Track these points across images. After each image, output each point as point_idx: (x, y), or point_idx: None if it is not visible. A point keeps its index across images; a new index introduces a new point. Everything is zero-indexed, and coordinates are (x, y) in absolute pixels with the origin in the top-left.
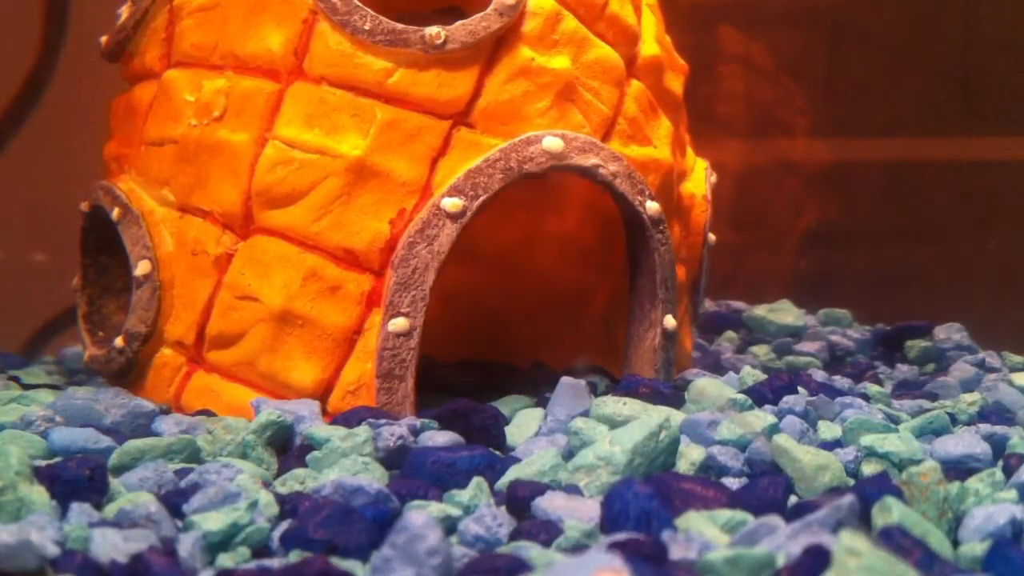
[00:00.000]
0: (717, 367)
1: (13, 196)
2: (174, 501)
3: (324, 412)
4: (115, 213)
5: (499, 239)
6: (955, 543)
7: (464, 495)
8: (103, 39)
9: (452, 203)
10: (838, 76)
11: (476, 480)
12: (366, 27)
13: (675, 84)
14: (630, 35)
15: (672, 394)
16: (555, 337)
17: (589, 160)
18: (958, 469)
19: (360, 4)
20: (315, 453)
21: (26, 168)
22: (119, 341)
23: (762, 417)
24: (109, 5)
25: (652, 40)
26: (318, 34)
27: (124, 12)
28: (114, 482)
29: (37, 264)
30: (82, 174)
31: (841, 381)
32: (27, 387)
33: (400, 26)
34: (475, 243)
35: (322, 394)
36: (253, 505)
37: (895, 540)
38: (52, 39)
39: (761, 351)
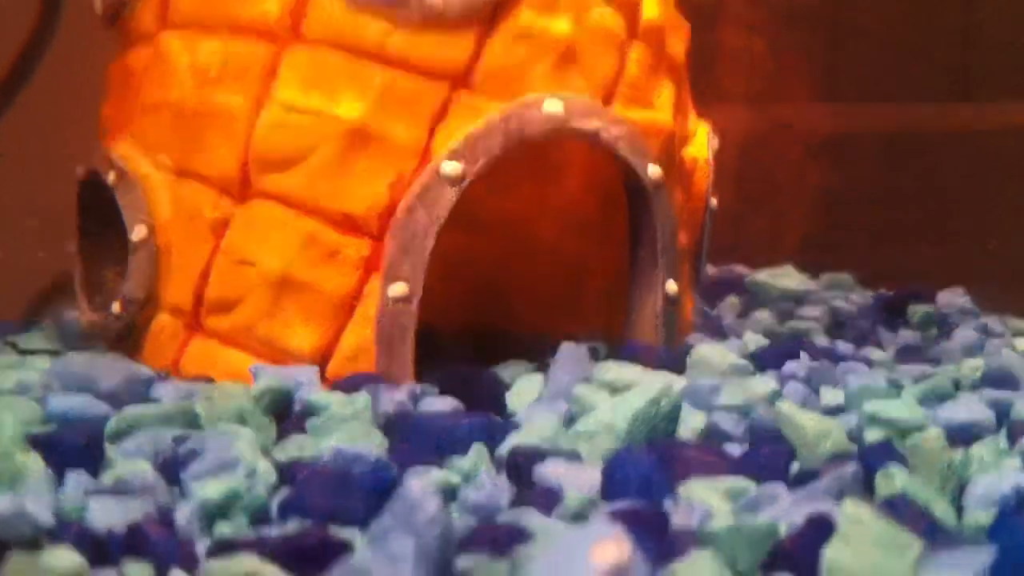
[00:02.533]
0: (719, 332)
1: (9, 163)
2: (172, 468)
3: (323, 378)
4: (111, 178)
5: (499, 207)
6: (959, 511)
7: (464, 462)
8: (98, 2)
9: (452, 167)
10: (842, 40)
11: (476, 447)
12: None
13: (677, 47)
14: None
15: (673, 360)
16: (556, 306)
17: (591, 124)
18: (962, 435)
19: None
20: (314, 419)
21: (22, 135)
22: (116, 306)
23: (764, 383)
24: None
25: (654, 2)
26: None
27: None
28: (111, 449)
29: (34, 230)
30: (78, 141)
31: (844, 346)
32: (24, 352)
33: None
34: (475, 211)
35: (321, 360)
36: (251, 473)
37: (899, 509)
38: (49, 5)
39: (763, 316)
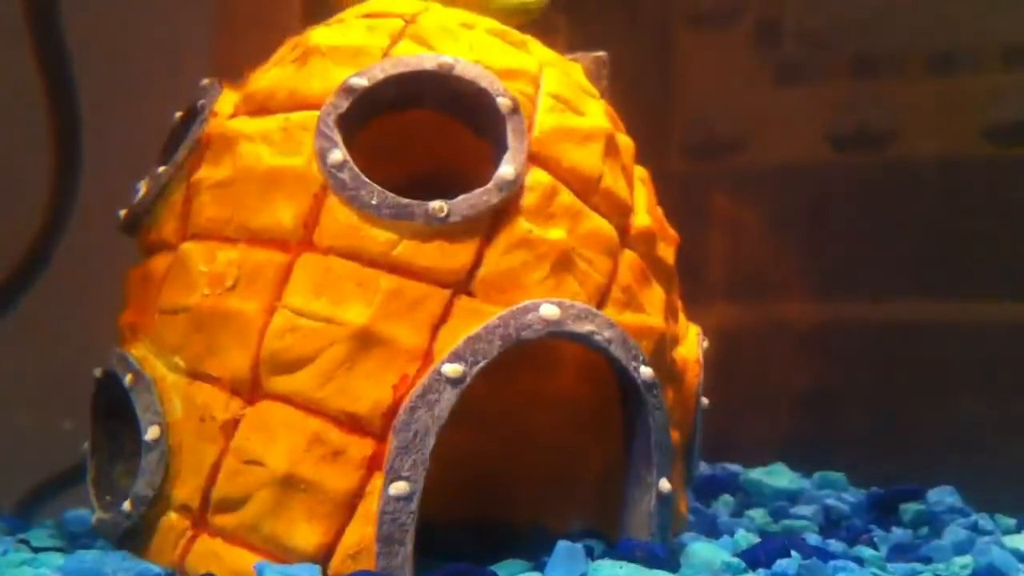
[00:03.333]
0: (713, 529)
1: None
2: None
3: None
4: (128, 379)
5: (498, 401)
6: None
7: None
8: (123, 212)
9: (452, 369)
10: (826, 239)
11: None
12: (373, 201)
13: (667, 253)
14: (623, 207)
15: (667, 557)
16: (553, 498)
17: (584, 327)
18: None
19: (367, 180)
20: None
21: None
22: (127, 505)
23: None
24: (116, 177)
25: (644, 211)
26: (327, 208)
27: (143, 187)
28: None
29: (30, 427)
30: (80, 339)
31: (836, 544)
32: (36, 549)
33: (405, 200)
34: (474, 405)
35: (323, 558)
36: None
37: None
38: (61, 207)
39: (758, 514)
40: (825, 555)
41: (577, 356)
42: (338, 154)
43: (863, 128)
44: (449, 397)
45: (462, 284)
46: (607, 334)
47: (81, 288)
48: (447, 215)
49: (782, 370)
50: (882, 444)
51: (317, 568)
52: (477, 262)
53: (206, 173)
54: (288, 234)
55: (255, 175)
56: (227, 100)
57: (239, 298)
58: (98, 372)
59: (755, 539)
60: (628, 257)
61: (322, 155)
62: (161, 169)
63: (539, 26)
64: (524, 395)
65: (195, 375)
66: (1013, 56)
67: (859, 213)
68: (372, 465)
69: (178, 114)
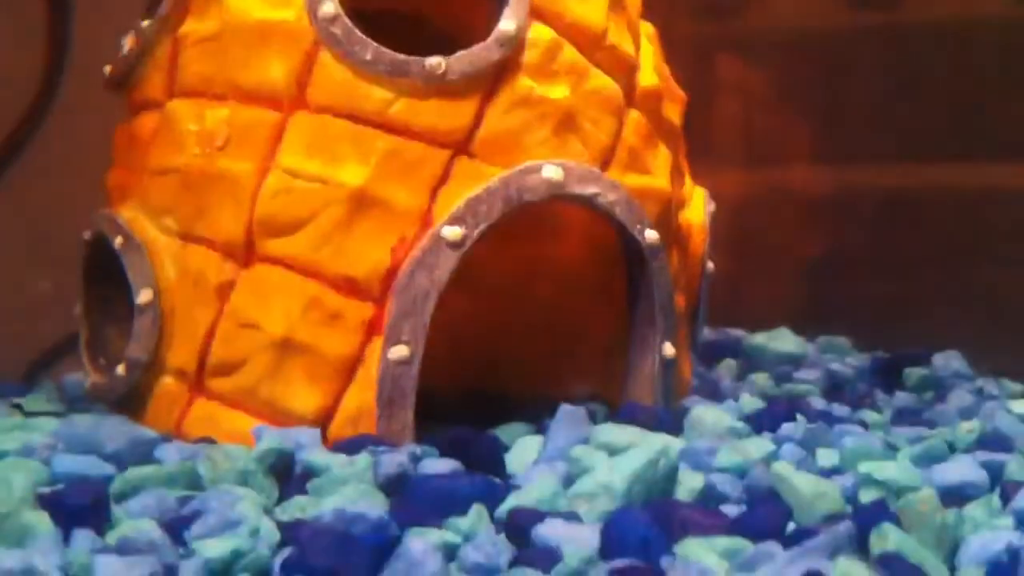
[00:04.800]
0: (716, 394)
1: (14, 224)
2: (176, 528)
3: (325, 440)
4: (118, 242)
5: (499, 267)
6: (952, 569)
7: (464, 522)
8: (108, 68)
9: (452, 232)
10: (835, 103)
11: (476, 507)
12: (368, 57)
13: (673, 113)
14: (628, 65)
15: (671, 421)
16: (555, 365)
17: (588, 189)
18: (956, 496)
19: (362, 35)
20: (316, 480)
21: (26, 196)
22: (121, 369)
23: (760, 444)
24: (111, 32)
25: (650, 70)
26: (320, 64)
27: (128, 42)
28: (116, 509)
29: (37, 291)
30: (82, 201)
31: (840, 409)
32: (29, 414)
33: (401, 56)
34: (475, 271)
35: (323, 422)
36: (254, 532)
37: (892, 567)
38: (54, 66)
39: (760, 379)
40: (830, 419)
41: (580, 220)
42: (330, 6)
43: None
44: (449, 261)
45: (462, 144)
46: (611, 196)
47: (78, 148)
48: (445, 72)
49: (788, 236)
50: (887, 310)
51: (316, 431)
52: (477, 121)
53: (192, 27)
54: (280, 92)
55: (243, 29)
56: None
57: (230, 158)
58: (87, 235)
59: (760, 404)
60: (633, 117)
61: (313, 8)
62: (146, 23)
63: None
64: (525, 261)
65: (187, 237)
66: None
67: (871, 76)
68: (371, 329)
69: None
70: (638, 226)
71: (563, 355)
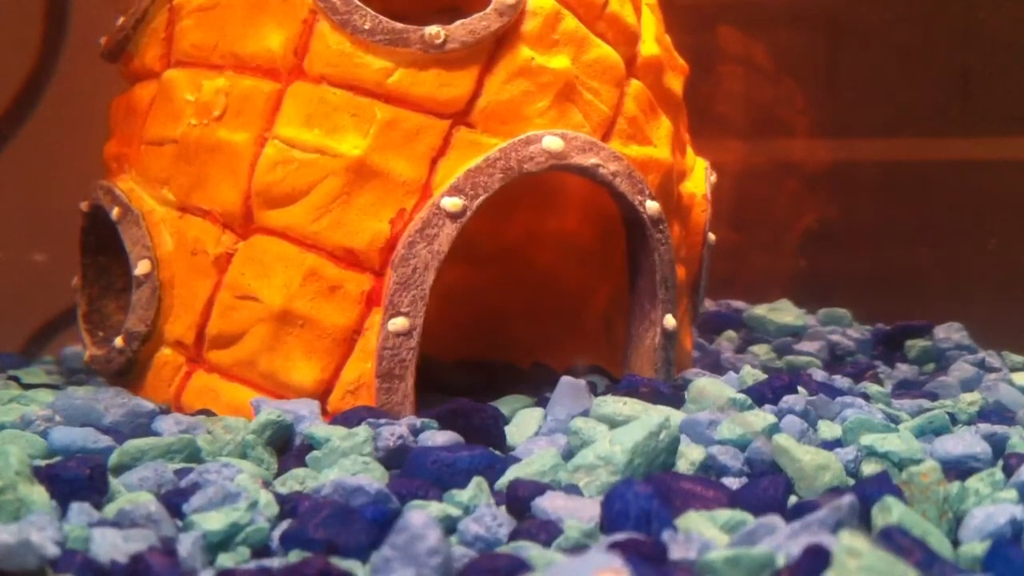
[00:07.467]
0: (717, 367)
1: (13, 196)
2: (174, 501)
3: (324, 412)
4: (115, 213)
5: (499, 238)
6: (955, 543)
7: (464, 495)
8: (103, 39)
9: (452, 202)
10: (838, 76)
11: (476, 480)
12: (366, 26)
13: (675, 84)
14: (630, 35)
15: (672, 393)
16: (555, 337)
17: (589, 159)
18: (958, 469)
19: (360, 4)
20: (315, 453)
21: (26, 168)
22: (119, 341)
23: (762, 417)
24: (109, 5)
25: (652, 40)
26: (318, 34)
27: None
28: (114, 482)
29: (37, 264)
30: (82, 174)
31: (841, 381)
32: (27, 387)
33: (400, 25)
34: (475, 242)
35: (322, 394)
36: (253, 505)
37: (895, 540)
38: (52, 39)
39: (761, 351)
40: (832, 391)
41: (580, 191)
42: None
43: None
44: (448, 232)
45: (461, 115)
46: (612, 167)
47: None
48: (444, 42)
49: (790, 208)
50: (889, 282)
51: (316, 403)
52: (476, 92)
53: None
54: (277, 61)
55: None
56: None
57: (228, 128)
58: (84, 205)
59: (761, 376)
60: (635, 87)
61: None
62: None
63: None
64: (525, 232)
65: (185, 208)
66: None
67: (872, 48)
68: (370, 300)
69: None
70: (639, 197)
71: (564, 327)
